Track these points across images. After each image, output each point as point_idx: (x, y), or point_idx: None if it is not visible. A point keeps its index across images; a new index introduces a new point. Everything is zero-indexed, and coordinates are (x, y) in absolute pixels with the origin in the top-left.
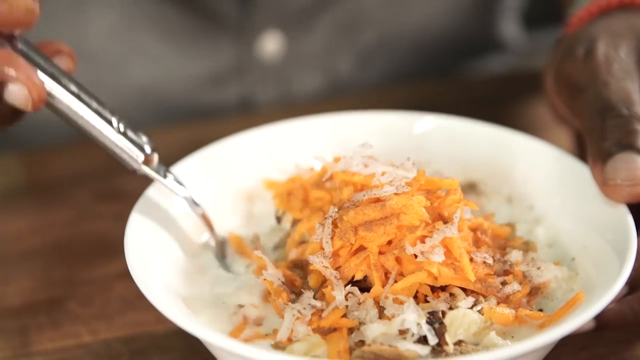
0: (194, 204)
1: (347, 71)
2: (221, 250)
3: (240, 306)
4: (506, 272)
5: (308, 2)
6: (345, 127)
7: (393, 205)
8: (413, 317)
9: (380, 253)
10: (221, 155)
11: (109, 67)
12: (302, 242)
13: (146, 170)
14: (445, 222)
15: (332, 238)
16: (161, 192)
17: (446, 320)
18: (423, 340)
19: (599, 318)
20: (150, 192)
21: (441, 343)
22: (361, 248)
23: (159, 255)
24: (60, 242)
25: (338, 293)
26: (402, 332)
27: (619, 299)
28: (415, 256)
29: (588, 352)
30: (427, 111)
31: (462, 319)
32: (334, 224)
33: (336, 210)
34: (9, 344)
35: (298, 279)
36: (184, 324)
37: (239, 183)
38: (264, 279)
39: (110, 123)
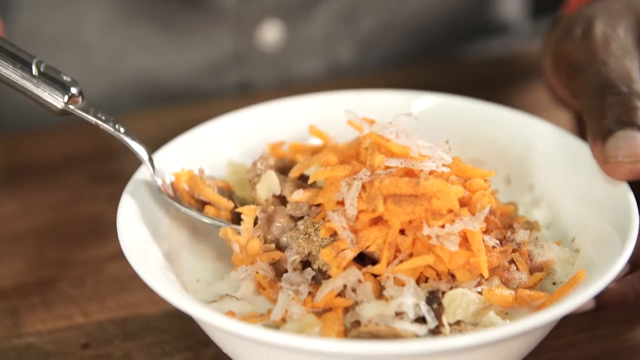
0: (122, 136)
1: (347, 58)
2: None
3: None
4: (513, 251)
5: None
6: (342, 106)
7: (427, 186)
8: (411, 301)
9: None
10: (213, 134)
11: (105, 57)
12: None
13: (70, 109)
14: (469, 211)
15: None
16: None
17: (445, 300)
18: (421, 320)
19: (599, 298)
20: (142, 172)
21: (439, 325)
22: (379, 219)
23: (151, 236)
24: (53, 224)
25: (349, 275)
26: (399, 314)
27: (620, 278)
28: (429, 238)
29: (588, 333)
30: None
31: (461, 298)
32: (362, 187)
33: (369, 174)
34: (0, 325)
35: (279, 254)
36: (179, 303)
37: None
38: (256, 273)
39: (27, 66)
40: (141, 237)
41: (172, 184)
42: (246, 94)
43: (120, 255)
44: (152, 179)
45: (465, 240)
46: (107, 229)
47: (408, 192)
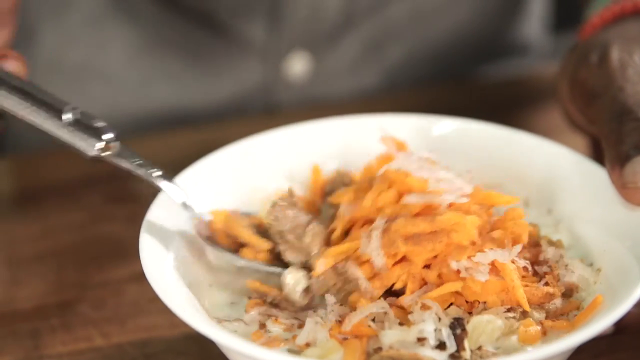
0: (157, 181)
1: (373, 86)
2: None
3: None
4: (545, 274)
5: (335, 22)
6: (361, 130)
7: (444, 220)
8: (431, 327)
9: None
10: (234, 158)
11: (130, 88)
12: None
13: (102, 156)
14: (497, 244)
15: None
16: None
17: (469, 326)
18: (442, 345)
19: (617, 321)
20: (164, 196)
21: (459, 349)
22: (404, 258)
23: (173, 257)
24: (72, 245)
25: (376, 306)
26: (420, 340)
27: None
28: (459, 271)
29: (606, 357)
30: (445, 115)
31: (486, 325)
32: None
33: (384, 221)
34: (21, 347)
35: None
36: (201, 328)
37: (254, 185)
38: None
39: (59, 114)
40: (163, 259)
41: (209, 224)
42: (270, 116)
43: (140, 277)
44: (188, 223)
45: (495, 268)
46: (126, 250)
47: (427, 230)
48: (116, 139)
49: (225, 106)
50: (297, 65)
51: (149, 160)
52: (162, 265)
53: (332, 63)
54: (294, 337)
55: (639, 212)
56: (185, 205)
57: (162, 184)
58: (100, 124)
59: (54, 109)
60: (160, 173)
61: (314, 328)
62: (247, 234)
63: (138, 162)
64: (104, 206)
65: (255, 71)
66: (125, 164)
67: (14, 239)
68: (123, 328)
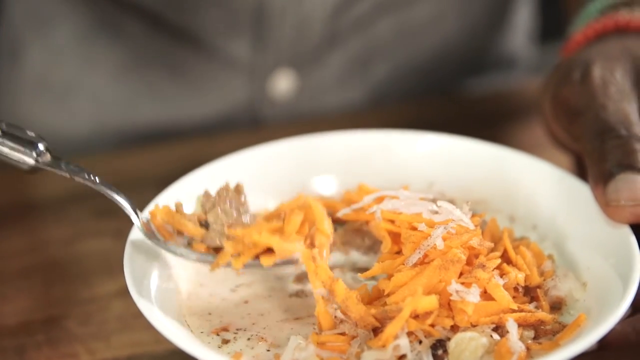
0: (101, 187)
1: (359, 101)
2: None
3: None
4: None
5: (320, 40)
6: (344, 146)
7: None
8: (406, 341)
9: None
10: (219, 175)
11: (116, 106)
12: None
13: (40, 165)
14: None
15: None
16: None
17: (451, 343)
18: None
19: (601, 338)
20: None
21: None
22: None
23: (158, 273)
24: (58, 261)
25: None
26: (401, 357)
27: (622, 320)
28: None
29: None
30: (430, 129)
31: (469, 342)
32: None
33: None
34: None
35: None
36: (183, 345)
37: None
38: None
39: None
40: (147, 275)
41: (149, 223)
42: (256, 131)
43: (126, 293)
44: (136, 224)
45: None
46: (112, 266)
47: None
48: (47, 149)
49: (212, 123)
50: (283, 83)
51: (84, 167)
52: (146, 282)
53: (317, 80)
54: (276, 355)
55: (622, 229)
56: (133, 208)
57: (100, 188)
58: (30, 134)
59: None
60: (99, 179)
61: (298, 346)
62: (193, 228)
63: (75, 169)
64: (90, 221)
65: (241, 88)
66: (63, 172)
67: (0, 254)
68: (108, 344)
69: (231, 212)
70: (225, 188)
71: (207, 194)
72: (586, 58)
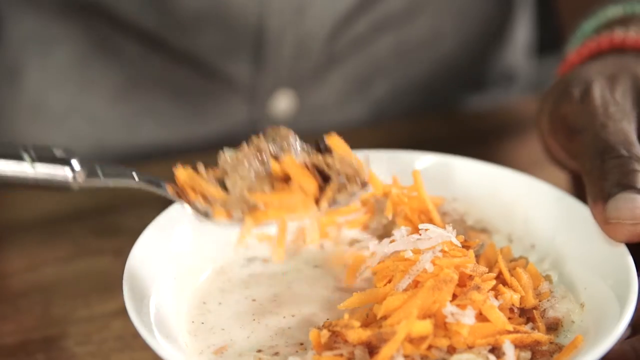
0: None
1: (359, 119)
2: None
3: None
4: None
5: (319, 60)
6: None
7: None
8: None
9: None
10: None
11: (116, 128)
12: None
13: (83, 183)
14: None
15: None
16: (162, 228)
17: None
18: None
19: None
20: (152, 229)
21: None
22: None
23: (157, 293)
24: (57, 279)
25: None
26: None
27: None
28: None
29: None
30: (429, 146)
31: None
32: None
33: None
34: None
35: None
36: None
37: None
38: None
39: (20, 159)
40: (146, 295)
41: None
42: None
43: (125, 312)
44: (187, 211)
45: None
46: (112, 285)
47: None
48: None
49: (211, 143)
50: (283, 103)
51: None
52: (146, 301)
53: (317, 99)
54: None
55: (620, 250)
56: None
57: (144, 184)
58: (57, 151)
59: (10, 155)
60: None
61: None
62: (212, 190)
63: (111, 171)
64: (90, 240)
65: (240, 109)
66: (102, 182)
67: None
68: None
69: (249, 176)
70: (274, 130)
71: (226, 156)
72: (586, 76)
